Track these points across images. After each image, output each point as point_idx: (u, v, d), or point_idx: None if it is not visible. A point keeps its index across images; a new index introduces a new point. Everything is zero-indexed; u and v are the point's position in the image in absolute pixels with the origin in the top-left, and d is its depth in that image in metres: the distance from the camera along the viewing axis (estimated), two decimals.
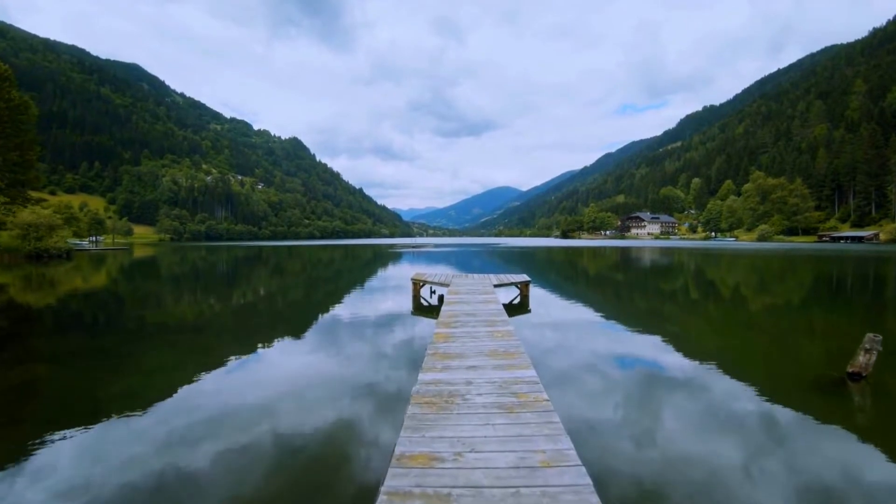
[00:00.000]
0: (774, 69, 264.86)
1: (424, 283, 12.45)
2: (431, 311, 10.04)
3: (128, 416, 4.50)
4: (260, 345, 7.39)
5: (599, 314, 10.39)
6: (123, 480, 3.27)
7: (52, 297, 13.78)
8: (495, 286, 11.31)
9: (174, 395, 5.15)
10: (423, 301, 11.81)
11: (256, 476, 3.32)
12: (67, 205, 69.36)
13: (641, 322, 9.52)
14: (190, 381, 5.57)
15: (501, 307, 7.91)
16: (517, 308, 10.75)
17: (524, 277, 12.46)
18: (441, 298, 10.60)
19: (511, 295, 12.26)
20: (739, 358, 6.93)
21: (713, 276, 20.71)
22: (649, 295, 14.85)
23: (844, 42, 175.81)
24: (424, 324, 8.81)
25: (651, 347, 7.24)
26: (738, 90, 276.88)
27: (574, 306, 11.77)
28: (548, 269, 25.30)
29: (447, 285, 11.54)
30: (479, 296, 9.34)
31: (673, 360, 6.44)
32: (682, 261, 30.93)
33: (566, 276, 22.02)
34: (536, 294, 12.80)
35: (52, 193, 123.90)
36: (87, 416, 4.52)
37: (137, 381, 5.81)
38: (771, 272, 22.18)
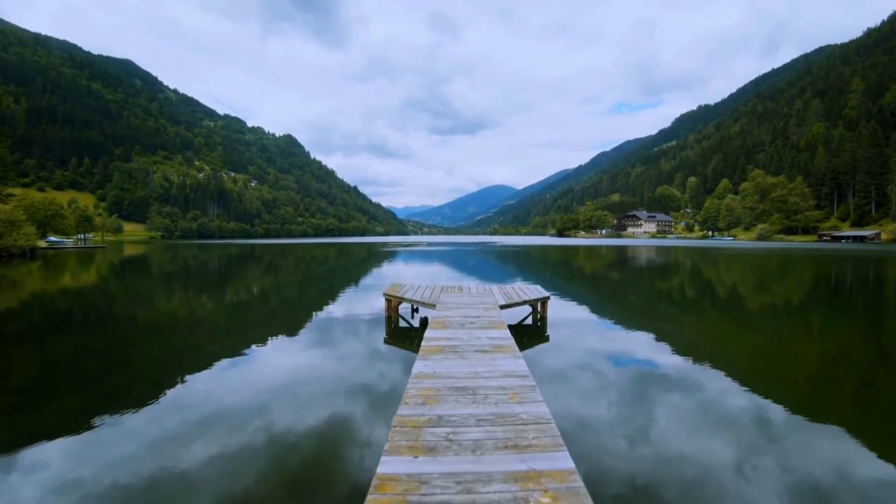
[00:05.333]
0: (769, 69, 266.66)
1: (402, 300, 9.32)
2: (411, 339, 7.53)
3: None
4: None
5: (646, 338, 7.95)
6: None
7: None
8: (502, 307, 8.16)
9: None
10: (401, 320, 9.27)
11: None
12: (53, 201, 67.47)
13: (697, 349, 7.17)
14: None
15: (524, 365, 4.44)
16: (530, 333, 8.08)
17: (541, 292, 9.44)
18: (424, 322, 8.04)
19: (521, 313, 9.62)
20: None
21: (758, 282, 18.73)
22: (699, 310, 12.36)
23: (839, 42, 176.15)
24: (396, 368, 6.14)
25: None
26: (733, 89, 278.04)
27: (599, 322, 9.61)
28: (549, 270, 23.17)
29: (433, 306, 8.31)
30: (478, 332, 6.06)
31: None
32: (692, 262, 29.46)
33: (570, 278, 19.95)
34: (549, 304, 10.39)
35: (41, 190, 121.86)
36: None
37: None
38: (804, 275, 20.74)
